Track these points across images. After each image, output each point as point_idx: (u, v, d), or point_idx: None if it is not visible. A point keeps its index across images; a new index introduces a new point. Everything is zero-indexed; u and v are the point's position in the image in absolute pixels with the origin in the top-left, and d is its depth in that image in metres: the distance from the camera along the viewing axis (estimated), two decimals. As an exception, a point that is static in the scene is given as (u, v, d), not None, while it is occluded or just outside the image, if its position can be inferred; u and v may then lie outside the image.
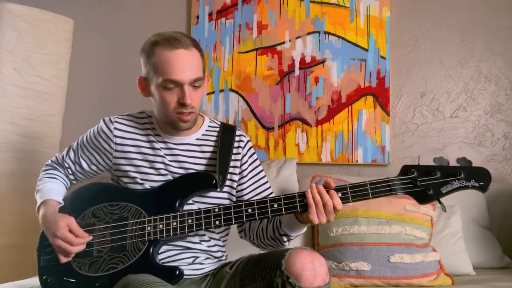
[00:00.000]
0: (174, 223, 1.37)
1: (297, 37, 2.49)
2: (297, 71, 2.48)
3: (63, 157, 1.59)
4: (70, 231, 1.38)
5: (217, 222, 1.36)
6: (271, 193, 1.57)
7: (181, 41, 1.39)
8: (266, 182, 1.58)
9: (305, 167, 2.40)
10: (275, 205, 1.34)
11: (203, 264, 1.46)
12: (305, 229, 1.44)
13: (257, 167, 1.57)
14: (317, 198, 1.31)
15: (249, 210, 1.35)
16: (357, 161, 2.43)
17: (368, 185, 1.32)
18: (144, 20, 2.60)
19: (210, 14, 2.55)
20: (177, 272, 1.34)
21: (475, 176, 1.30)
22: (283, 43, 2.50)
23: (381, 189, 1.32)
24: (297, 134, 2.47)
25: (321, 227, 2.00)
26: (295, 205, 1.34)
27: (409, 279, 1.82)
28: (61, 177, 1.59)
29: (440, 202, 1.32)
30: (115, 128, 1.52)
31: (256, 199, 1.38)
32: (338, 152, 2.44)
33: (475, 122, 2.43)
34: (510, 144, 2.42)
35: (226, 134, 1.54)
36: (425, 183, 1.31)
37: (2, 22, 2.20)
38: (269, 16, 2.51)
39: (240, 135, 1.56)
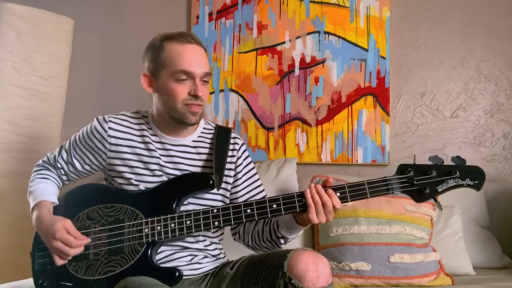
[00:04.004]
0: (172, 225, 1.36)
1: (297, 37, 2.49)
2: (297, 71, 2.48)
3: (55, 157, 1.55)
4: (68, 233, 1.35)
5: (216, 223, 1.36)
6: (265, 195, 1.55)
7: (192, 37, 1.44)
8: (260, 184, 1.58)
9: (305, 167, 2.40)
10: (274, 205, 1.34)
11: (201, 263, 1.45)
12: (302, 231, 1.44)
13: (251, 169, 1.57)
14: (316, 198, 1.31)
15: (248, 211, 1.35)
16: (357, 161, 2.43)
17: (366, 184, 1.33)
18: (144, 20, 2.60)
19: (210, 14, 2.55)
20: (177, 274, 1.33)
21: (470, 174, 1.31)
22: (283, 43, 2.50)
23: (379, 188, 1.32)
24: (297, 134, 2.47)
25: (321, 227, 2.00)
26: (294, 205, 1.33)
27: (409, 279, 1.82)
28: (54, 178, 1.55)
29: (436, 201, 1.33)
30: (110, 128, 1.48)
31: (254, 200, 1.38)
32: (338, 152, 2.44)
33: (475, 122, 2.43)
34: (510, 144, 2.42)
35: (221, 136, 1.53)
36: (422, 182, 1.32)
37: (2, 22, 2.20)
38: (269, 16, 2.51)
39: (235, 138, 1.56)
